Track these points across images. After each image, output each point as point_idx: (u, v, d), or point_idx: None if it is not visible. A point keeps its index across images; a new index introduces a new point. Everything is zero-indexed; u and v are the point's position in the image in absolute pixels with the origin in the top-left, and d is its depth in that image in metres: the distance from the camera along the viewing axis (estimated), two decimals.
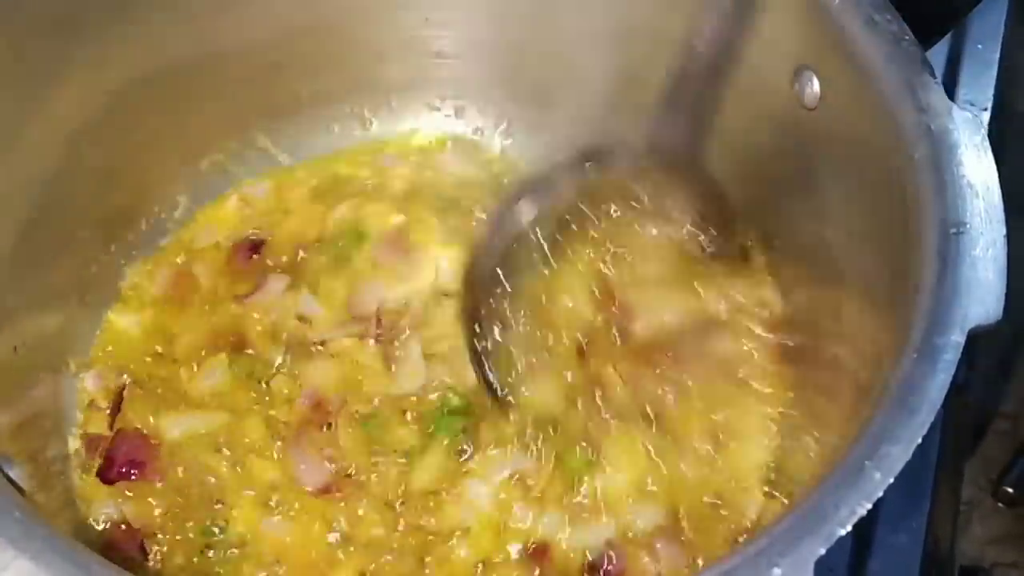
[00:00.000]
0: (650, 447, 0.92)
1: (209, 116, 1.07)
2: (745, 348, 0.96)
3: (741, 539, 0.88)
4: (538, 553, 0.88)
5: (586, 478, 0.90)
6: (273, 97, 1.10)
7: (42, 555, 0.61)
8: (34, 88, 0.87)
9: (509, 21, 1.07)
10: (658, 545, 0.88)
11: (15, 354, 0.89)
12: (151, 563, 0.88)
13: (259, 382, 0.97)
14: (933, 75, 0.75)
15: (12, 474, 0.72)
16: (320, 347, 0.99)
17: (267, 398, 0.96)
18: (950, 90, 1.23)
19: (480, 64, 1.12)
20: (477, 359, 0.91)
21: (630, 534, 0.89)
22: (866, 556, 0.96)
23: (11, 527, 0.62)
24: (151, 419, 0.95)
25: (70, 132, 0.92)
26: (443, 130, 1.15)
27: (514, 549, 0.88)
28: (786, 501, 0.88)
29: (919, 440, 0.63)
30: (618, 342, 0.96)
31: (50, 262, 0.94)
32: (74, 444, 0.94)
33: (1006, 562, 1.20)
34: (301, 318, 1.01)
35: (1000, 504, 1.23)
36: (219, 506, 0.91)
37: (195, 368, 0.98)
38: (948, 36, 1.23)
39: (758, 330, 0.97)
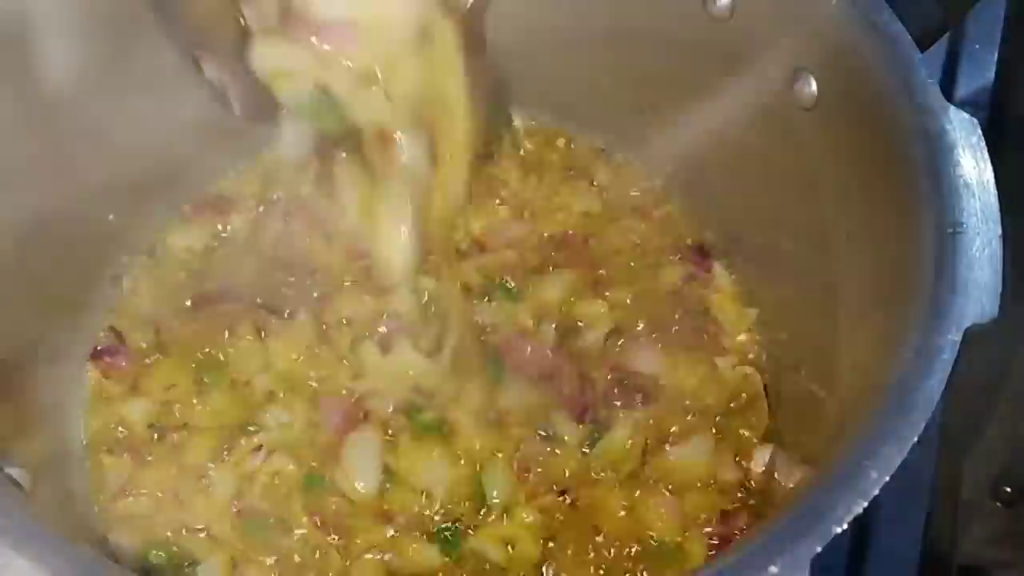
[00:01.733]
0: None
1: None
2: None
3: None
4: None
5: None
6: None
7: (42, 555, 0.61)
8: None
9: (509, 23, 1.07)
10: None
11: (17, 353, 0.89)
12: None
13: None
14: (930, 76, 0.75)
15: (12, 473, 0.72)
16: None
17: None
18: (948, 91, 1.24)
19: None
20: None
21: None
22: (865, 556, 0.97)
23: (11, 527, 0.62)
24: None
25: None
26: None
27: None
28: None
29: (916, 439, 0.63)
30: None
31: (63, 251, 0.95)
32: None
33: (1005, 562, 1.20)
34: None
35: (999, 504, 1.22)
36: None
37: None
38: (946, 37, 1.23)
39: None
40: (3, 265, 0.87)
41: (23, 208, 0.88)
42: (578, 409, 0.97)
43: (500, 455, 0.94)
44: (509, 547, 0.91)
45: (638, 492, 0.93)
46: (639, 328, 1.01)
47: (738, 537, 0.91)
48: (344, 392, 0.97)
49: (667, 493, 0.93)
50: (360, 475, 0.93)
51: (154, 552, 0.90)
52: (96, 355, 1.00)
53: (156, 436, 0.96)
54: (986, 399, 1.23)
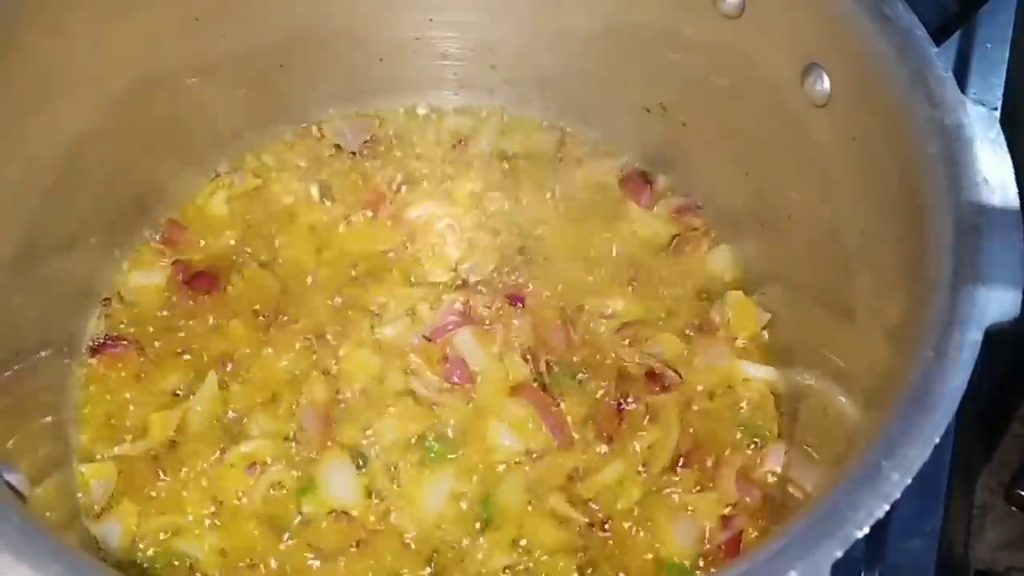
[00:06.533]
0: None
1: (214, 119, 1.06)
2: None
3: None
4: None
5: None
6: (277, 100, 1.09)
7: (41, 562, 0.60)
8: (36, 91, 0.86)
9: (514, 23, 1.07)
10: None
11: (17, 359, 0.88)
12: None
13: None
14: (945, 69, 0.74)
15: (11, 480, 0.71)
16: None
17: None
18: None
19: (485, 66, 1.11)
20: None
21: None
22: (881, 560, 0.95)
23: (10, 533, 0.61)
24: None
25: (72, 136, 0.92)
26: (448, 131, 1.14)
27: None
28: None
29: (937, 440, 0.61)
30: None
31: (53, 265, 0.94)
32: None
33: (1020, 566, 1.19)
34: None
35: (1013, 508, 1.21)
36: None
37: None
38: (956, 36, 1.22)
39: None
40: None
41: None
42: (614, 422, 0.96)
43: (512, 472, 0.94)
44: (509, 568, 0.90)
45: (654, 519, 0.92)
46: (656, 323, 1.01)
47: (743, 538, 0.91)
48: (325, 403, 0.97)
49: (686, 511, 0.92)
50: (336, 490, 0.93)
51: (146, 555, 0.90)
52: (94, 354, 1.00)
53: (151, 440, 0.95)
54: (1001, 403, 1.22)
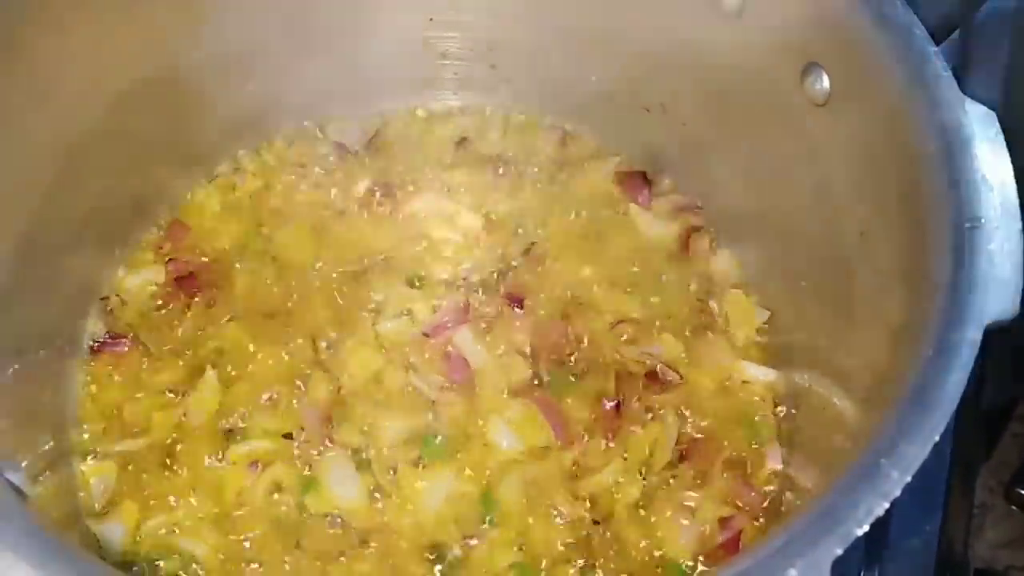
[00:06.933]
0: None
1: (214, 119, 1.06)
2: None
3: None
4: None
5: None
6: (278, 99, 1.09)
7: (42, 560, 0.60)
8: (36, 91, 0.86)
9: (514, 23, 1.07)
10: None
11: (18, 358, 0.88)
12: None
13: None
14: (945, 68, 0.74)
15: (13, 478, 0.71)
16: None
17: None
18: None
19: (485, 66, 1.11)
20: None
21: None
22: (880, 559, 0.95)
23: (11, 532, 0.61)
24: None
25: (72, 136, 0.92)
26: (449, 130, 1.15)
27: None
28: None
29: (936, 438, 0.62)
30: None
31: (53, 265, 0.94)
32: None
33: (1020, 565, 1.19)
34: None
35: (1013, 507, 1.21)
36: None
37: None
38: (956, 35, 1.22)
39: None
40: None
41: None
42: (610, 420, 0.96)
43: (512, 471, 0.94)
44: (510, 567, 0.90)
45: (653, 518, 0.92)
46: (656, 323, 1.01)
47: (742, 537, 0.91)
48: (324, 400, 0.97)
49: (686, 510, 0.92)
50: (337, 489, 0.93)
51: (147, 553, 0.90)
52: (94, 353, 1.00)
53: (152, 438, 0.95)
54: (1001, 401, 1.21)
